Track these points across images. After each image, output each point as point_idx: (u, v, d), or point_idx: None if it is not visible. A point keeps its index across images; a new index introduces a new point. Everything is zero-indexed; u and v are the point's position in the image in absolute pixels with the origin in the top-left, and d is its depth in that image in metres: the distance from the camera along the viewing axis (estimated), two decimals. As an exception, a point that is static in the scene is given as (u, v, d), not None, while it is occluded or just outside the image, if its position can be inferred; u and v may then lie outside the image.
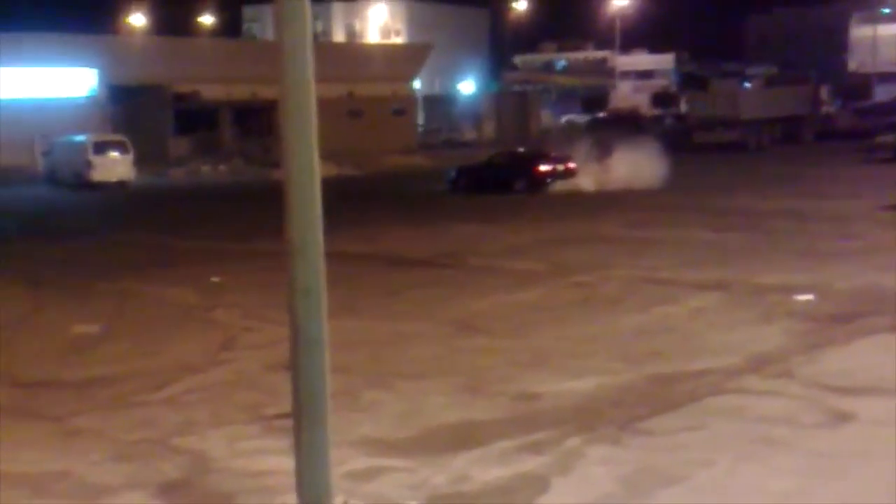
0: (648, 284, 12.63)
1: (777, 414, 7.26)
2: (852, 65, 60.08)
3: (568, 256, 15.17)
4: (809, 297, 11.35)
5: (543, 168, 25.93)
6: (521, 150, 29.90)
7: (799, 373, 8.39)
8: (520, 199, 24.19)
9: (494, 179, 25.90)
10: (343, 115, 42.33)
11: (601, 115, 53.04)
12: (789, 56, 54.90)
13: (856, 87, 50.02)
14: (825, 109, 43.19)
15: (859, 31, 60.99)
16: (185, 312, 12.10)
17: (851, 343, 9.29)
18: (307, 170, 3.81)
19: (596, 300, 11.94)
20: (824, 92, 44.84)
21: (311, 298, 3.95)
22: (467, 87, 64.81)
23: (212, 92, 43.55)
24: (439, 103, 56.21)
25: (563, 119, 55.93)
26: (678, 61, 64.36)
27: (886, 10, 58.73)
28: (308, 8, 3.48)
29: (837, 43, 61.35)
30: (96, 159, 31.88)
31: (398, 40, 66.48)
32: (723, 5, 70.32)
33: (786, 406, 7.45)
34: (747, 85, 43.88)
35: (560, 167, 25.90)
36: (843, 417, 7.13)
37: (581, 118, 54.56)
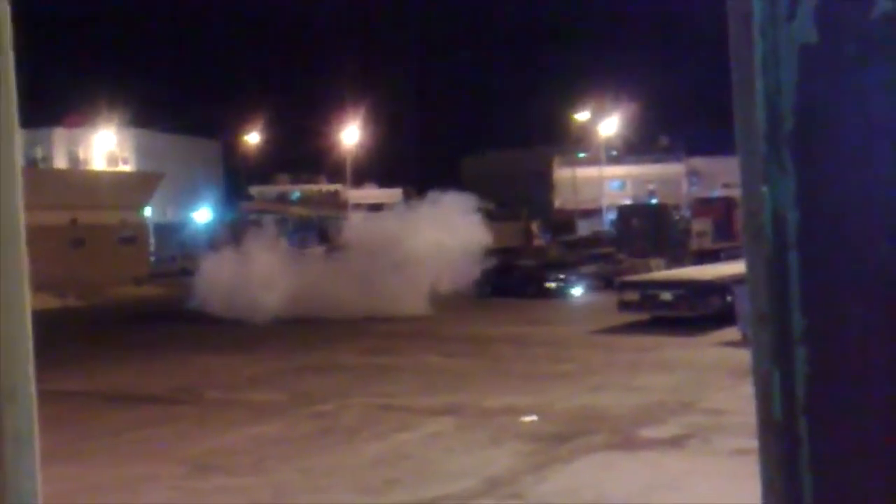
0: (386, 412, 12.83)
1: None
2: (557, 202, 66.33)
3: (307, 386, 15.10)
4: (533, 418, 12.05)
5: None
6: None
7: (529, 492, 8.82)
8: (258, 327, 23.80)
9: None
10: (66, 243, 39.96)
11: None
12: (504, 193, 59.66)
13: (561, 223, 55.05)
14: (537, 242, 46.90)
15: (561, 173, 67.85)
16: None
17: (574, 461, 9.93)
18: (16, 306, 3.60)
19: (336, 430, 11.93)
20: (535, 226, 48.94)
21: (21, 448, 3.64)
22: (203, 215, 63.78)
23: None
24: (172, 231, 54.68)
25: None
26: (405, 195, 67.71)
27: (582, 154, 65.86)
28: (17, 134, 3.41)
29: (544, 183, 67.61)
30: None
31: (126, 168, 64.55)
32: (440, 146, 75.55)
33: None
34: None
35: None
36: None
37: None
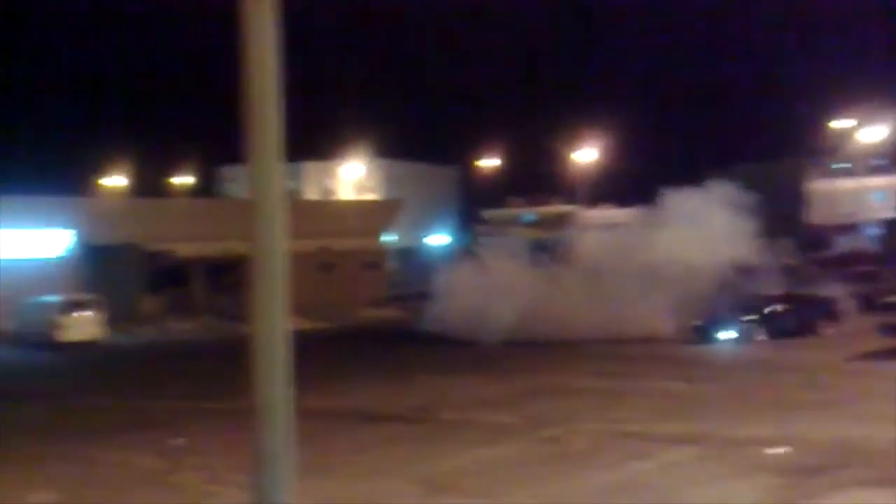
0: (620, 438, 12.46)
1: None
2: (810, 217, 61.89)
3: (539, 409, 14.99)
4: (780, 450, 11.22)
5: None
6: None
7: (776, 529, 8.19)
8: (491, 348, 23.92)
9: None
10: (314, 269, 42.60)
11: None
12: (753, 208, 56.62)
13: (815, 239, 51.22)
14: (787, 261, 44.03)
15: (815, 185, 63.28)
16: (146, 477, 11.71)
17: (829, 498, 9.13)
18: (275, 330, 3.78)
19: (568, 455, 11.73)
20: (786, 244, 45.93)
21: (276, 464, 3.80)
22: (440, 239, 65.85)
23: (185, 249, 43.86)
24: (411, 256, 56.75)
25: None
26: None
27: (838, 166, 61.19)
28: (281, 168, 3.57)
29: (796, 196, 63.36)
30: (64, 319, 31.73)
31: (372, 196, 67.97)
32: (684, 164, 73.08)
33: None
34: None
35: None
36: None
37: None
